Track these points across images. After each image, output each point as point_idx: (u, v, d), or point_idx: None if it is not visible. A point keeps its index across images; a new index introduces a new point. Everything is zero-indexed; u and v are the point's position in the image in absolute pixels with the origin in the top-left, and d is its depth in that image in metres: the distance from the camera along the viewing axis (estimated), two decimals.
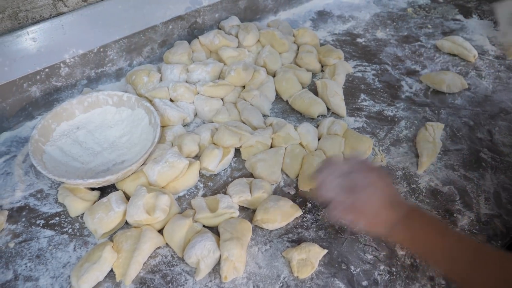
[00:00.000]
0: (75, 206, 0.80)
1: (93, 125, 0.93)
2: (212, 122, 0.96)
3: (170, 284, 0.70)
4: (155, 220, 0.75)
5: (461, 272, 0.58)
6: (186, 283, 0.70)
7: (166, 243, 0.76)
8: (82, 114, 0.93)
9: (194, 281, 0.70)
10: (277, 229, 0.78)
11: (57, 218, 0.80)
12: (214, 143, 0.90)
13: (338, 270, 0.72)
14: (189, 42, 1.13)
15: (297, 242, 0.76)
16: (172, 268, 0.73)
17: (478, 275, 0.56)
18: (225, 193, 0.83)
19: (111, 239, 0.76)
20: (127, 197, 0.81)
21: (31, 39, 0.90)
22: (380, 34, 1.30)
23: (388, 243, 0.76)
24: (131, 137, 0.91)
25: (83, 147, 0.90)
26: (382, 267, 0.72)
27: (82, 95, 0.92)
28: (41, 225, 0.79)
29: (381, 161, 0.91)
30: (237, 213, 0.78)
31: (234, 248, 0.70)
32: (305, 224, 0.79)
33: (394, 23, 1.36)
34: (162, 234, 0.76)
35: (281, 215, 0.77)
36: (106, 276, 0.70)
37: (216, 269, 0.71)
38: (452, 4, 1.46)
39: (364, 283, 0.70)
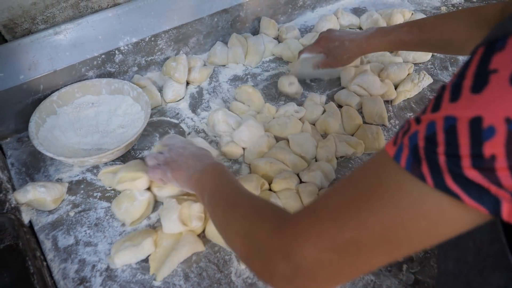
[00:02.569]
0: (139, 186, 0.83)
1: (108, 108, 1.00)
2: None
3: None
4: (194, 229, 0.77)
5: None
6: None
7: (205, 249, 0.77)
8: (108, 94, 1.01)
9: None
10: None
11: (112, 192, 0.87)
12: None
13: None
14: (230, 35, 1.20)
15: None
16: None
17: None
18: None
19: (155, 228, 0.79)
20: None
21: (90, 27, 0.98)
22: None
23: None
24: (126, 131, 0.96)
25: (84, 123, 0.98)
26: None
27: (111, 79, 1.01)
28: (98, 197, 0.86)
29: None
30: None
31: None
32: None
33: None
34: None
35: None
36: (143, 261, 0.74)
37: None
38: (485, 3, 1.48)
39: (400, 259, 0.75)
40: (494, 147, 0.31)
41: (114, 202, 0.81)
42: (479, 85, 0.32)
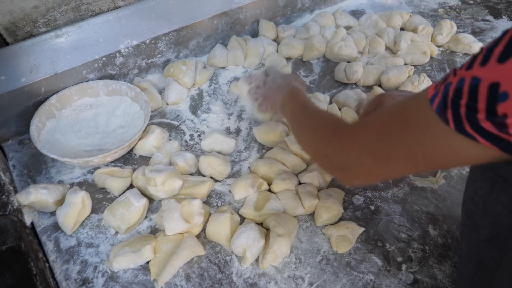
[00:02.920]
0: (118, 185, 0.85)
1: (106, 109, 1.01)
2: None
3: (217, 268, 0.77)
4: (197, 226, 0.78)
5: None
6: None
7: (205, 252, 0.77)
8: (105, 96, 1.02)
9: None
10: None
11: (113, 194, 0.87)
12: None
13: (375, 247, 0.78)
14: (229, 38, 1.21)
15: (336, 221, 0.82)
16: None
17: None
18: None
19: (154, 234, 0.79)
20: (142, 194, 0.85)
21: (91, 30, 0.99)
22: None
23: (421, 224, 0.81)
24: (127, 131, 0.97)
25: (84, 125, 0.98)
26: (415, 245, 0.78)
27: (109, 80, 1.02)
28: (99, 198, 0.87)
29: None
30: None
31: (284, 246, 0.74)
32: (343, 205, 0.84)
33: None
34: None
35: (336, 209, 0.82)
36: (142, 267, 0.75)
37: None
38: (482, 6, 1.50)
39: (399, 259, 0.76)
40: (505, 108, 0.38)
41: (107, 210, 0.80)
42: (505, 56, 0.38)
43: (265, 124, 0.97)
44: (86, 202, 0.82)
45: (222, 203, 0.86)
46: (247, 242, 0.74)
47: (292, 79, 0.91)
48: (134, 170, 0.90)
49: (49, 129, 0.94)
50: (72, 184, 0.89)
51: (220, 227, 0.77)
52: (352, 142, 0.58)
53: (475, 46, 1.24)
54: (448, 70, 1.19)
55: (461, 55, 1.25)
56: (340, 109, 1.04)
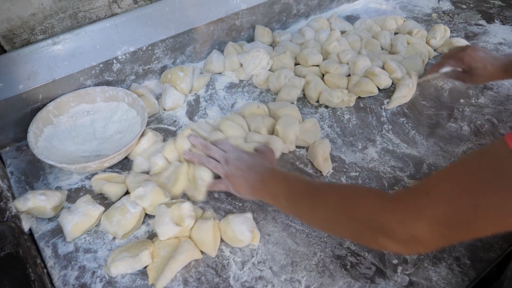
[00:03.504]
0: (115, 191, 0.86)
1: (103, 115, 1.02)
2: None
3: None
4: (188, 228, 0.78)
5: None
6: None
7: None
8: (102, 102, 1.02)
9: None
10: None
11: (110, 200, 0.88)
12: None
13: (370, 249, 0.78)
14: (225, 43, 1.22)
15: None
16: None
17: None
18: None
19: (152, 239, 0.79)
20: None
21: (88, 37, 0.99)
22: None
23: None
24: (124, 136, 0.98)
25: (81, 131, 0.99)
26: None
27: (105, 86, 1.03)
28: (97, 204, 0.87)
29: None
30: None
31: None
32: None
33: None
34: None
35: None
36: (140, 272, 0.75)
37: None
38: (475, 10, 1.52)
39: (395, 261, 0.76)
40: None
41: (104, 216, 0.81)
42: None
43: None
44: (100, 216, 0.82)
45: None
46: None
47: (265, 159, 0.83)
48: None
49: (46, 136, 0.94)
50: (70, 190, 0.89)
51: (203, 236, 0.77)
52: (418, 213, 0.50)
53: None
54: None
55: None
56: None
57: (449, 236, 0.49)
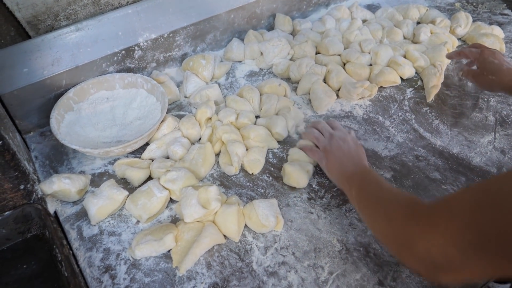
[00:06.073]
0: (138, 176, 0.86)
1: (123, 102, 1.02)
2: None
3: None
4: (213, 212, 0.78)
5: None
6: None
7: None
8: (121, 89, 1.03)
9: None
10: None
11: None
12: None
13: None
14: (246, 32, 1.22)
15: None
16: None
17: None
18: None
19: (175, 223, 0.79)
20: None
21: (110, 23, 1.00)
22: None
23: None
24: (144, 122, 0.98)
25: (101, 117, 0.99)
26: None
27: (124, 73, 1.03)
28: (121, 188, 0.88)
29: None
30: None
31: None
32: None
33: None
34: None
35: None
36: (163, 255, 0.76)
37: None
38: None
39: None
40: None
41: (129, 199, 0.82)
42: None
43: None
44: (124, 200, 0.83)
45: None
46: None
47: (363, 155, 0.83)
48: (152, 160, 0.91)
49: (68, 122, 0.95)
50: (93, 175, 0.90)
51: (227, 220, 0.77)
52: (436, 226, 0.48)
53: (496, 30, 1.26)
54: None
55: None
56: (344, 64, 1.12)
57: (460, 262, 0.44)
